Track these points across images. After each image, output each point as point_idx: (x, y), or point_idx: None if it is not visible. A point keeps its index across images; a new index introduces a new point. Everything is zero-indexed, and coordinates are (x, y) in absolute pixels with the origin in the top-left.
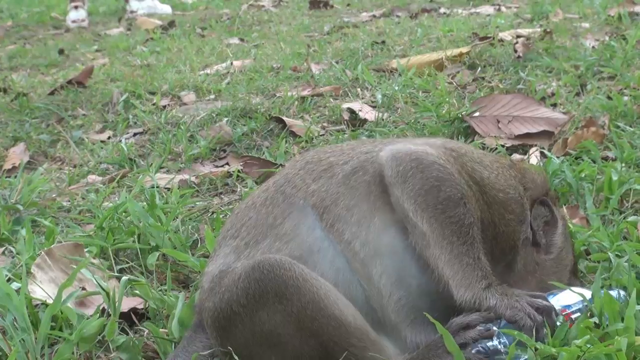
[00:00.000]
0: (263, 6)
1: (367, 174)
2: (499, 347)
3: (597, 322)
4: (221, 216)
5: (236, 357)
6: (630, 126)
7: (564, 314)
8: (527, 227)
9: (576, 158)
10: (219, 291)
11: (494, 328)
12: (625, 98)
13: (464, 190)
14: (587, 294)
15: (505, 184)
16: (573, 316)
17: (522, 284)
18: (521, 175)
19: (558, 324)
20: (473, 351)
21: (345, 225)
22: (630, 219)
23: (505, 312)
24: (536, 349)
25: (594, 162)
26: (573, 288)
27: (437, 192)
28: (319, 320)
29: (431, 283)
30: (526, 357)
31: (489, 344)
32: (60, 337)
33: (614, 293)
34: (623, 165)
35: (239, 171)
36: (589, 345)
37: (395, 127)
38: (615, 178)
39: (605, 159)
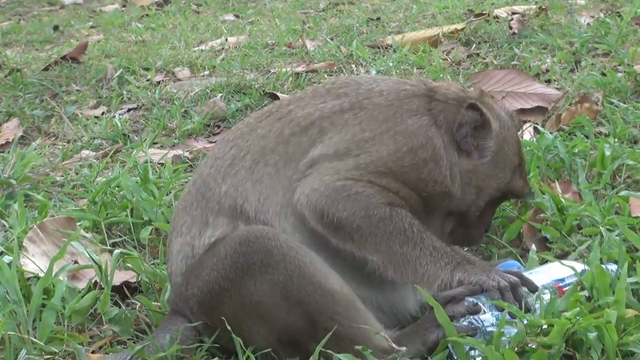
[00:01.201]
0: None
1: (268, 165)
2: (491, 319)
3: (588, 295)
4: None
5: (230, 329)
6: (624, 102)
7: (557, 287)
8: (447, 168)
9: (569, 134)
10: (201, 275)
11: (483, 299)
12: (619, 74)
13: (387, 198)
14: (579, 267)
15: (401, 143)
16: (566, 289)
17: (464, 195)
18: (430, 110)
19: (546, 297)
20: (464, 323)
21: (267, 219)
22: (622, 193)
23: (470, 278)
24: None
25: (587, 137)
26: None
27: (368, 220)
28: (305, 288)
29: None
30: (515, 329)
31: (482, 316)
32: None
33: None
34: (616, 140)
35: None
36: (578, 318)
37: None
38: (608, 153)
39: (599, 134)
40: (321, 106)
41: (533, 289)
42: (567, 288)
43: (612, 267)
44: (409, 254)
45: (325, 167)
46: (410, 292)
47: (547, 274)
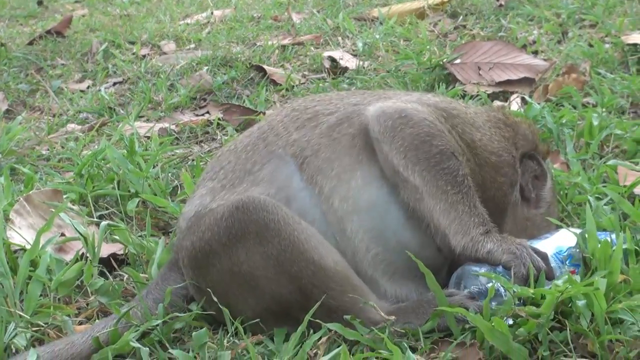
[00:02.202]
0: None
1: (352, 127)
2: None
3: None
4: (201, 163)
5: (213, 296)
6: (611, 73)
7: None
8: (517, 188)
9: (557, 104)
10: (198, 230)
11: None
12: (607, 45)
13: (455, 147)
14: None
15: (498, 147)
16: (568, 262)
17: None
18: (514, 132)
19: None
20: (465, 291)
21: (325, 179)
22: (610, 162)
23: (502, 257)
24: (514, 292)
25: (575, 108)
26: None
27: (429, 146)
28: (298, 264)
29: (413, 239)
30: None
31: (488, 284)
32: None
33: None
34: (603, 110)
35: (219, 119)
36: (568, 286)
37: (376, 75)
38: (595, 123)
39: (586, 105)
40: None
41: (551, 277)
42: (568, 260)
43: (601, 235)
44: (450, 193)
45: (407, 99)
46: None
47: (550, 243)
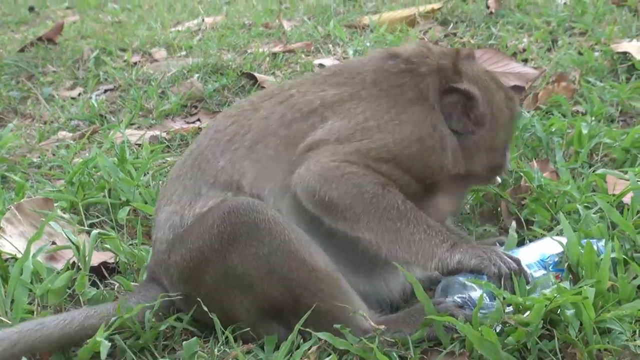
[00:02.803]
0: None
1: (268, 147)
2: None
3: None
4: None
5: (209, 302)
6: (601, 81)
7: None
8: (449, 142)
9: (547, 112)
10: (186, 243)
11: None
12: (596, 53)
13: (382, 179)
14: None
15: (410, 128)
16: (550, 267)
17: (478, 165)
18: (413, 74)
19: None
20: (457, 299)
21: (264, 196)
22: (599, 171)
23: (470, 262)
24: (504, 298)
25: (564, 116)
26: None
27: (361, 197)
28: (289, 264)
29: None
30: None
31: (472, 293)
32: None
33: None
34: (593, 119)
35: None
36: (556, 295)
37: None
38: (585, 132)
39: (576, 113)
40: (322, 94)
41: (526, 280)
42: (551, 266)
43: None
44: (402, 230)
45: (324, 150)
46: (398, 281)
47: (534, 251)
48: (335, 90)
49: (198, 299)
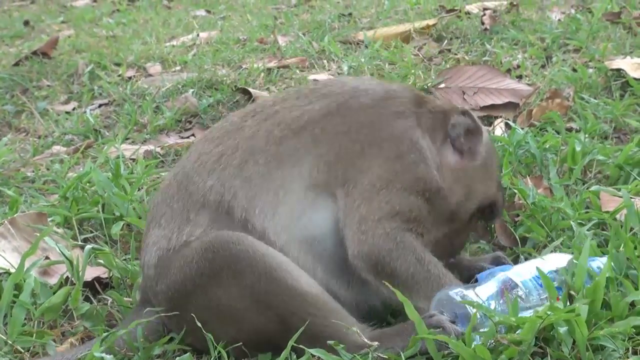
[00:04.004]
0: None
1: (258, 164)
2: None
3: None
4: None
5: (200, 327)
6: (595, 98)
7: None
8: (435, 168)
9: (540, 129)
10: (170, 273)
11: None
12: (590, 70)
13: (418, 243)
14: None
15: (393, 149)
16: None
17: (451, 195)
18: (415, 104)
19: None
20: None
21: (253, 218)
22: (593, 188)
23: None
24: (496, 320)
25: (558, 133)
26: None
27: (412, 273)
28: (274, 291)
29: None
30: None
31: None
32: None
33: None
34: (587, 136)
35: None
36: (549, 313)
37: None
38: (578, 149)
39: (569, 130)
40: (308, 108)
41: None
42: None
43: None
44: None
45: (345, 205)
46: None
47: (530, 268)
48: (323, 101)
49: (189, 320)
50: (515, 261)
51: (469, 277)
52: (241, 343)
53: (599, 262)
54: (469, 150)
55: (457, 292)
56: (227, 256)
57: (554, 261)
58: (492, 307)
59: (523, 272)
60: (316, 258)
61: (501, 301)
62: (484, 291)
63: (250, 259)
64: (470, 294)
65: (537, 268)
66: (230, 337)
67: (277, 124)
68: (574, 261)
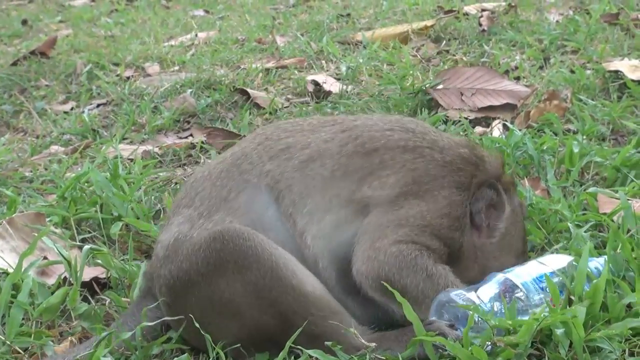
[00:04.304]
0: None
1: (324, 167)
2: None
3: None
4: None
5: (195, 322)
6: (592, 99)
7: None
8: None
9: (538, 130)
10: (176, 259)
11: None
12: (588, 72)
13: (431, 260)
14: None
15: (446, 204)
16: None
17: (465, 271)
18: (475, 166)
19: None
20: (445, 317)
21: (298, 215)
22: (591, 190)
23: None
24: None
25: (556, 134)
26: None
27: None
28: (278, 290)
29: None
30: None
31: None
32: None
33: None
34: (584, 137)
35: (202, 142)
36: (545, 315)
37: (360, 100)
38: (576, 150)
39: (567, 131)
40: (388, 134)
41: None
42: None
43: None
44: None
45: (376, 223)
46: None
47: (534, 268)
48: (404, 135)
49: (190, 315)
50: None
51: None
52: (240, 340)
53: (597, 263)
54: (487, 226)
55: (458, 293)
56: (235, 249)
57: (554, 263)
58: (494, 308)
59: (523, 274)
60: (339, 274)
61: (502, 303)
62: (485, 293)
63: (257, 256)
64: (471, 295)
65: (545, 274)
66: (230, 332)
67: (354, 138)
68: (574, 264)
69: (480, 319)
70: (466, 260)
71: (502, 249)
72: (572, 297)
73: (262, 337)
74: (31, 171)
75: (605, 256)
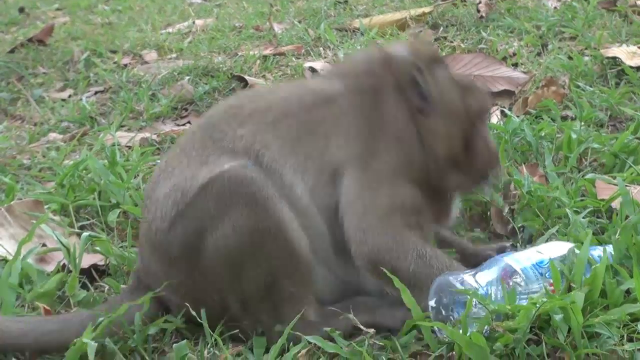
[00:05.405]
0: None
1: (291, 128)
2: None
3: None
4: None
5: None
6: (590, 86)
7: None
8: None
9: (536, 117)
10: (189, 211)
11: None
12: (586, 58)
13: (419, 238)
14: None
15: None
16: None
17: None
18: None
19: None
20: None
21: (283, 168)
22: (589, 176)
23: None
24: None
25: (554, 121)
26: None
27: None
28: (278, 243)
29: None
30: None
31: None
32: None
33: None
34: (582, 124)
35: None
36: (544, 300)
37: None
38: (574, 137)
39: (565, 118)
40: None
41: None
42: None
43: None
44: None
45: (354, 192)
46: None
47: (533, 254)
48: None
49: (202, 278)
50: (513, 250)
51: (475, 265)
52: (247, 301)
53: (599, 251)
54: (426, 101)
55: (457, 277)
56: (248, 194)
57: (553, 250)
58: (491, 293)
59: (522, 259)
60: (330, 228)
61: (500, 288)
62: (484, 277)
63: (267, 207)
64: (470, 279)
65: (550, 260)
66: (236, 292)
67: (309, 91)
68: (576, 251)
69: (479, 303)
70: (436, 144)
71: (449, 113)
72: (573, 285)
73: (252, 301)
74: (29, 159)
75: (605, 245)
